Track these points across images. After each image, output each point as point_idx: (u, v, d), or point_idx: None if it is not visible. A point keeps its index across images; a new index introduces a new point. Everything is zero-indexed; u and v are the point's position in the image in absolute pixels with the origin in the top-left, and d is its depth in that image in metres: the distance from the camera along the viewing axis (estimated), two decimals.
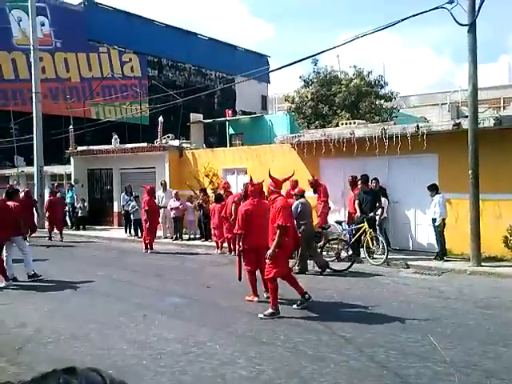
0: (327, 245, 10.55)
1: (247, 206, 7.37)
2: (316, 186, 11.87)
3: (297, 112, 20.75)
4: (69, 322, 6.65)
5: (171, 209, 14.68)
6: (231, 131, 25.26)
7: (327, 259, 10.12)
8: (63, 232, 16.15)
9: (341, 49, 20.85)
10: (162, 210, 14.65)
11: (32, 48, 19.21)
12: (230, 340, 5.75)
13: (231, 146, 22.17)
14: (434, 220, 10.57)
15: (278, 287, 6.81)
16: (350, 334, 5.83)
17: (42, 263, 10.46)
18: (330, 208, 12.00)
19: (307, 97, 20.33)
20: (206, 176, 15.66)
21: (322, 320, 6.44)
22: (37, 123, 18.95)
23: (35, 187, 18.76)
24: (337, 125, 15.84)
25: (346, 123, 13.98)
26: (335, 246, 10.56)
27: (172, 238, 15.02)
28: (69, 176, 20.26)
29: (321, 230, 10.51)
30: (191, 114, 25.76)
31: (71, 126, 20.23)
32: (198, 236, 14.94)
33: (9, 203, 9.45)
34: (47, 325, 6.48)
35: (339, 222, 11.68)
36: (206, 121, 26.43)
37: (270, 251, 6.67)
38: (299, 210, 9.36)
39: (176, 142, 17.40)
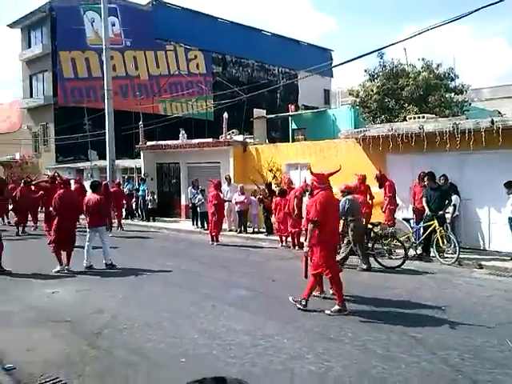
0: (378, 241, 10.17)
1: None
2: (382, 180, 11.62)
3: (361, 106, 20.35)
4: (142, 309, 6.97)
5: (236, 203, 14.95)
6: (294, 126, 25.21)
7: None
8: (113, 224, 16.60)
9: (408, 41, 20.06)
10: (227, 203, 14.95)
11: (104, 47, 20.09)
12: (297, 335, 5.79)
13: (294, 140, 22.12)
14: (510, 219, 10.02)
15: (342, 284, 6.75)
16: (420, 335, 5.69)
17: (114, 251, 10.91)
18: (397, 205, 11.70)
19: (372, 90, 19.88)
20: (270, 171, 15.78)
21: (390, 319, 6.31)
22: (108, 119, 19.84)
23: (107, 180, 19.70)
24: (404, 119, 15.37)
25: (415, 117, 13.53)
26: (387, 242, 10.21)
27: (237, 231, 15.29)
28: (139, 169, 21.16)
29: (371, 227, 10.23)
30: (254, 109, 25.99)
31: (141, 122, 21.06)
32: (262, 229, 15.10)
33: (92, 195, 10.09)
34: (122, 311, 6.82)
35: (407, 220, 11.37)
36: (268, 116, 26.56)
37: (305, 248, 6.97)
38: (347, 206, 9.22)
39: (240, 138, 17.65)
